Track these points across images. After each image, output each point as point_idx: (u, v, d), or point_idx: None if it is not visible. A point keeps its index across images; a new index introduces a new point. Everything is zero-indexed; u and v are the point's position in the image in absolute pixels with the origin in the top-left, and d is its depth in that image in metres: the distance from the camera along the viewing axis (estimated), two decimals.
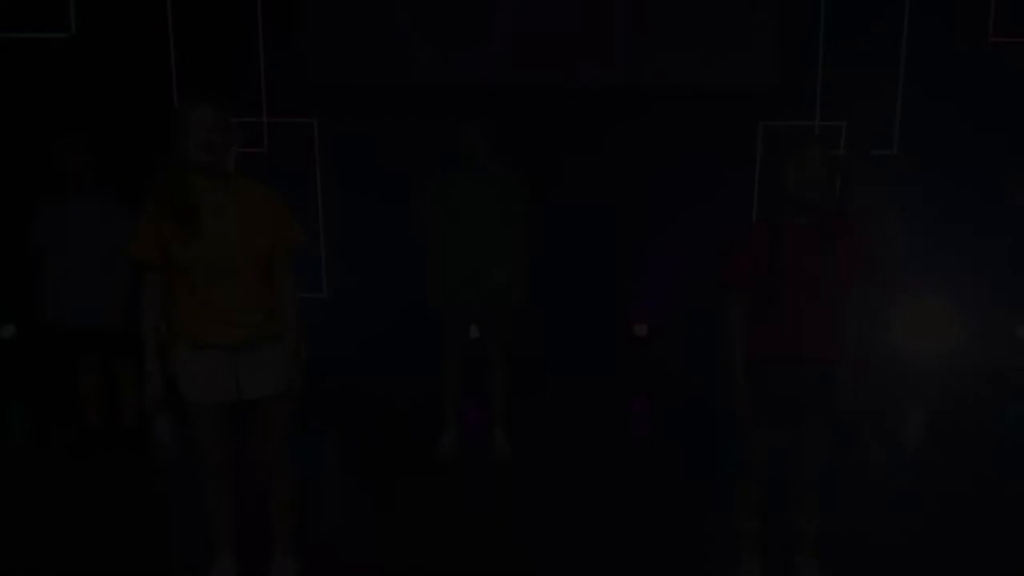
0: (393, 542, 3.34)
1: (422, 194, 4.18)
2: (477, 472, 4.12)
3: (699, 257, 5.35)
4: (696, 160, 5.63)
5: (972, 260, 5.30)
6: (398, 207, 4.79)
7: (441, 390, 4.30)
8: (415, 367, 5.13)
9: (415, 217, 4.21)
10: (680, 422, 4.84)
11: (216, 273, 2.60)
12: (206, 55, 5.54)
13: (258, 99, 5.67)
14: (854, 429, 4.05)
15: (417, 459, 4.21)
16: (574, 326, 5.96)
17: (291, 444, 2.88)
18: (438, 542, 3.38)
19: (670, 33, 5.63)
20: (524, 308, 4.25)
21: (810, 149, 2.70)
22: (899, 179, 4.14)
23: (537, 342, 5.82)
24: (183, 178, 2.60)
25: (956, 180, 5.51)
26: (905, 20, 5.63)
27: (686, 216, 5.48)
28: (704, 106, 5.66)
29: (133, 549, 3.24)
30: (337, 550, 3.26)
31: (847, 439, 3.93)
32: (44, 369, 5.57)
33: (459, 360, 4.27)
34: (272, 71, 5.66)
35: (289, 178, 5.65)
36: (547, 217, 5.74)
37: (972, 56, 5.60)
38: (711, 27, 5.61)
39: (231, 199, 2.65)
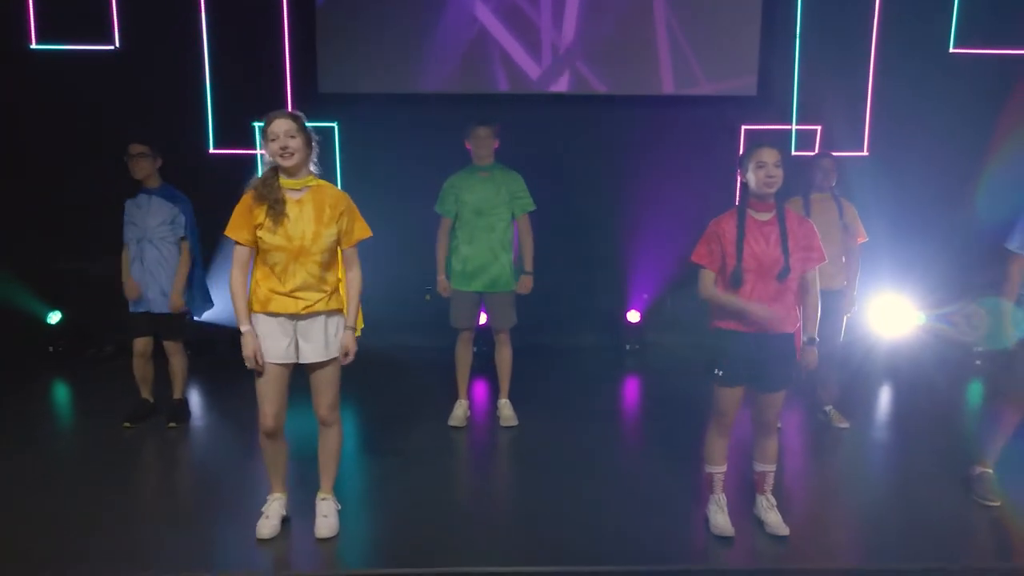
0: (414, 489, 3.80)
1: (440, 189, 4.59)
2: (485, 433, 4.61)
3: (687, 249, 5.83)
4: (685, 159, 6.11)
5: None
6: (411, 204, 5.18)
7: (456, 365, 4.70)
8: (428, 345, 5.63)
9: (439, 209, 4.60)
10: (666, 393, 5.34)
11: (291, 257, 3.04)
12: (236, 64, 6.04)
13: (284, 106, 6.12)
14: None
15: (432, 422, 4.66)
16: (577, 313, 6.49)
17: (339, 404, 3.29)
18: (451, 488, 3.88)
19: (664, 48, 6.12)
20: (531, 295, 4.63)
21: (767, 152, 3.10)
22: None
23: (544, 326, 6.34)
24: (274, 176, 3.03)
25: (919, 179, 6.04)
26: (873, 34, 6.13)
27: (676, 210, 5.91)
28: (693, 111, 6.15)
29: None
30: (369, 497, 3.74)
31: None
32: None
33: (470, 339, 4.69)
34: (297, 80, 6.15)
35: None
36: (552, 214, 6.22)
37: (935, 66, 6.12)
38: (700, 43, 6.11)
39: (309, 197, 3.08)
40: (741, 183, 3.23)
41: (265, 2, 6.03)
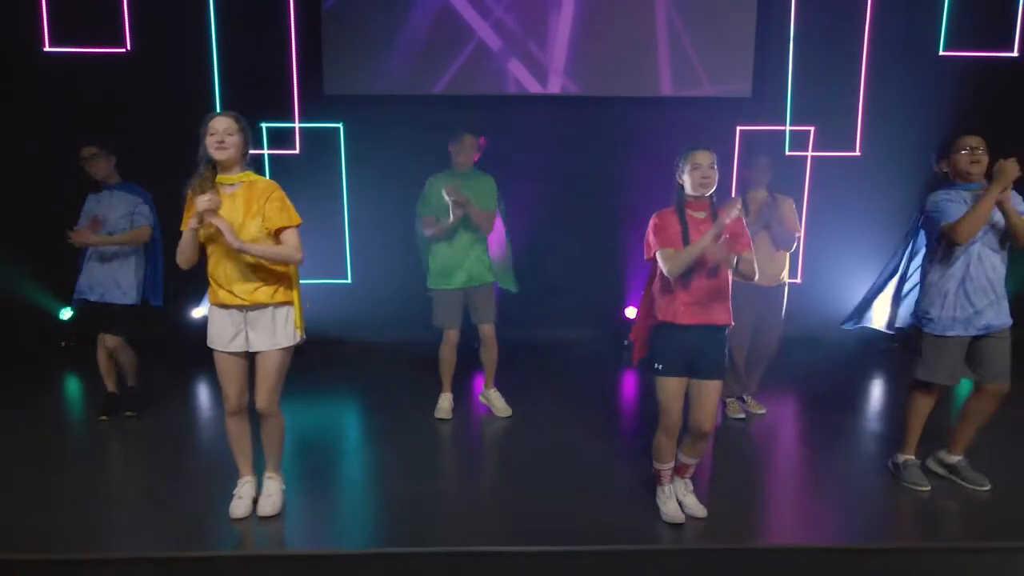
0: (400, 471, 3.96)
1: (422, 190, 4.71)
2: (472, 424, 4.74)
3: None
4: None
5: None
6: (414, 203, 5.31)
7: (440, 364, 4.78)
8: (421, 338, 5.77)
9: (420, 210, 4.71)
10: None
11: (224, 249, 3.21)
12: (245, 69, 6.20)
13: (291, 107, 6.33)
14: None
15: (420, 411, 4.82)
16: (575, 308, 6.65)
17: (279, 395, 3.39)
18: (435, 474, 4.01)
19: (663, 51, 6.29)
20: (530, 291, 4.78)
21: (702, 154, 3.21)
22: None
23: (543, 322, 6.52)
24: (210, 174, 3.22)
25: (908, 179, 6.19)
26: (865, 37, 6.30)
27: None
28: (690, 112, 6.30)
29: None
30: (353, 479, 3.91)
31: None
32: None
33: (455, 333, 4.71)
34: (304, 83, 6.32)
35: (319, 177, 6.35)
36: (552, 212, 6.40)
37: (924, 68, 6.29)
38: (697, 46, 6.28)
39: (242, 192, 3.25)
40: (678, 184, 3.32)
41: (272, 7, 6.20)
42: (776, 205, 4.52)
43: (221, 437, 3.72)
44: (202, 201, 3.11)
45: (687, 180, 3.26)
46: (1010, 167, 3.45)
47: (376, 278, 6.46)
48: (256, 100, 6.20)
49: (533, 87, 6.35)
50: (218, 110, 6.16)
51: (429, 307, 4.75)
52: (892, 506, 3.64)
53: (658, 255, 3.27)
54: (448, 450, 4.44)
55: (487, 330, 4.75)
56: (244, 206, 3.24)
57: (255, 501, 3.49)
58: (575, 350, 6.40)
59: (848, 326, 4.21)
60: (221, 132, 3.19)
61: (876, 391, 5.57)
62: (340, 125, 6.40)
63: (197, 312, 6.34)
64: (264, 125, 6.30)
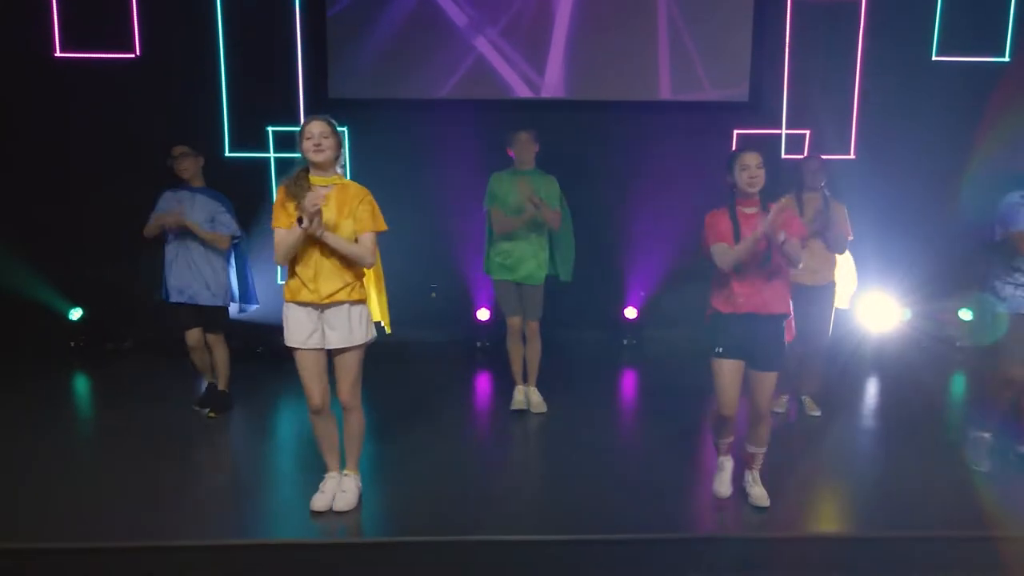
0: (426, 469, 4.06)
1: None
2: (493, 419, 4.88)
3: (682, 249, 6.13)
4: (680, 161, 6.35)
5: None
6: (419, 205, 5.41)
7: (508, 354, 4.95)
8: (432, 340, 5.90)
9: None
10: (658, 384, 5.58)
11: (316, 248, 3.31)
12: (251, 73, 6.33)
13: (297, 111, 6.43)
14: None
15: (444, 407, 4.97)
16: (577, 309, 6.70)
17: (359, 390, 3.51)
18: (461, 467, 4.10)
19: (663, 56, 6.42)
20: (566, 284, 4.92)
21: (750, 155, 3.46)
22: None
23: (546, 322, 6.57)
24: (304, 175, 3.33)
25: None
26: (859, 43, 6.42)
27: (672, 210, 6.16)
28: (688, 116, 6.44)
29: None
30: (389, 474, 4.01)
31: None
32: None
33: (518, 320, 4.86)
34: (309, 86, 6.43)
35: None
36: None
37: (918, 73, 6.42)
38: (696, 52, 6.40)
39: (335, 194, 3.34)
40: (729, 183, 3.55)
41: (279, 14, 6.31)
42: (829, 210, 4.63)
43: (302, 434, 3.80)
44: (312, 199, 3.18)
45: (737, 179, 3.48)
46: None
47: (387, 284, 6.51)
48: (263, 104, 6.34)
49: (536, 92, 6.46)
50: (224, 113, 6.37)
51: (434, 306, 4.83)
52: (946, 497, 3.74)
53: (712, 250, 3.49)
54: (472, 443, 4.56)
55: (533, 326, 4.90)
56: (337, 207, 3.34)
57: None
58: (575, 350, 6.50)
59: None
60: (318, 135, 3.29)
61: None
62: (345, 128, 6.43)
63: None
64: (271, 128, 6.41)
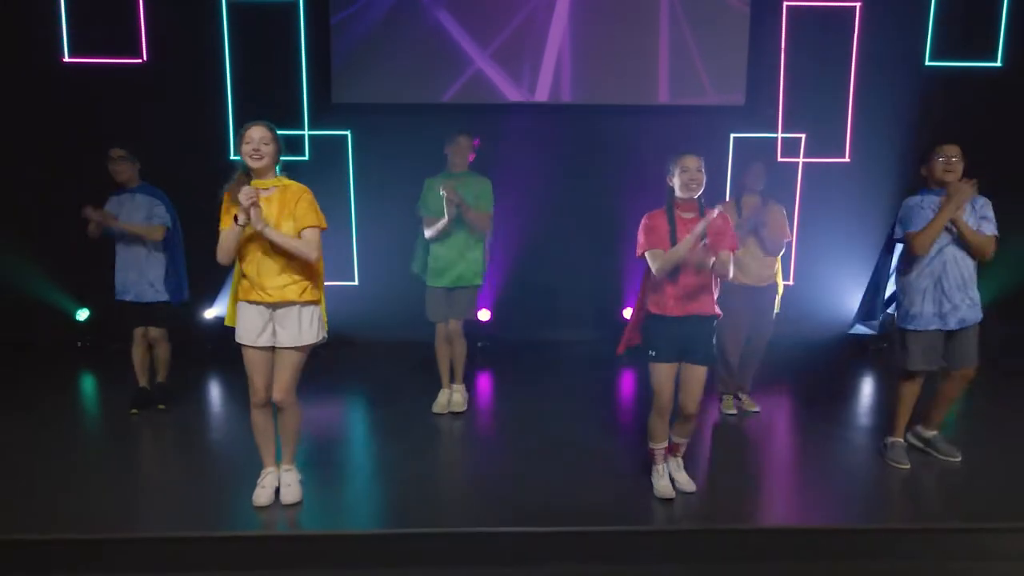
0: (398, 463, 4.09)
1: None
2: (473, 417, 4.92)
3: None
4: None
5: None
6: (413, 209, 5.46)
7: (436, 358, 4.93)
8: (425, 338, 5.93)
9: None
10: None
11: (261, 249, 3.36)
12: (256, 76, 6.44)
13: (301, 116, 6.56)
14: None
15: (423, 405, 5.01)
16: (573, 310, 6.86)
17: (295, 388, 3.53)
18: (432, 463, 4.21)
19: (663, 61, 6.52)
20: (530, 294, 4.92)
21: (690, 158, 3.43)
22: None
23: (542, 323, 6.73)
24: (246, 179, 3.44)
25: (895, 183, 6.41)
26: (853, 48, 6.53)
27: None
28: (686, 120, 6.51)
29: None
30: (362, 468, 4.04)
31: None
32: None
33: (444, 327, 4.82)
34: (312, 91, 6.54)
35: (327, 183, 6.53)
36: (552, 216, 6.59)
37: (911, 78, 6.51)
38: (694, 57, 6.51)
39: (277, 196, 3.39)
40: (668, 186, 3.54)
41: (283, 21, 6.42)
42: (765, 210, 4.67)
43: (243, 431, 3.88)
44: (244, 194, 3.23)
45: (676, 182, 3.47)
46: (965, 188, 3.72)
47: (382, 280, 6.66)
48: (267, 109, 6.40)
49: (535, 96, 6.57)
50: (230, 118, 6.46)
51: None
52: (878, 486, 3.88)
53: (647, 255, 3.51)
54: (452, 442, 4.61)
55: (455, 325, 4.85)
56: (278, 208, 3.39)
57: (277, 491, 3.65)
58: (575, 351, 6.59)
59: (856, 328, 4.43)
60: (257, 141, 3.32)
61: (866, 388, 5.75)
62: (348, 133, 6.61)
63: (209, 313, 6.55)
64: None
